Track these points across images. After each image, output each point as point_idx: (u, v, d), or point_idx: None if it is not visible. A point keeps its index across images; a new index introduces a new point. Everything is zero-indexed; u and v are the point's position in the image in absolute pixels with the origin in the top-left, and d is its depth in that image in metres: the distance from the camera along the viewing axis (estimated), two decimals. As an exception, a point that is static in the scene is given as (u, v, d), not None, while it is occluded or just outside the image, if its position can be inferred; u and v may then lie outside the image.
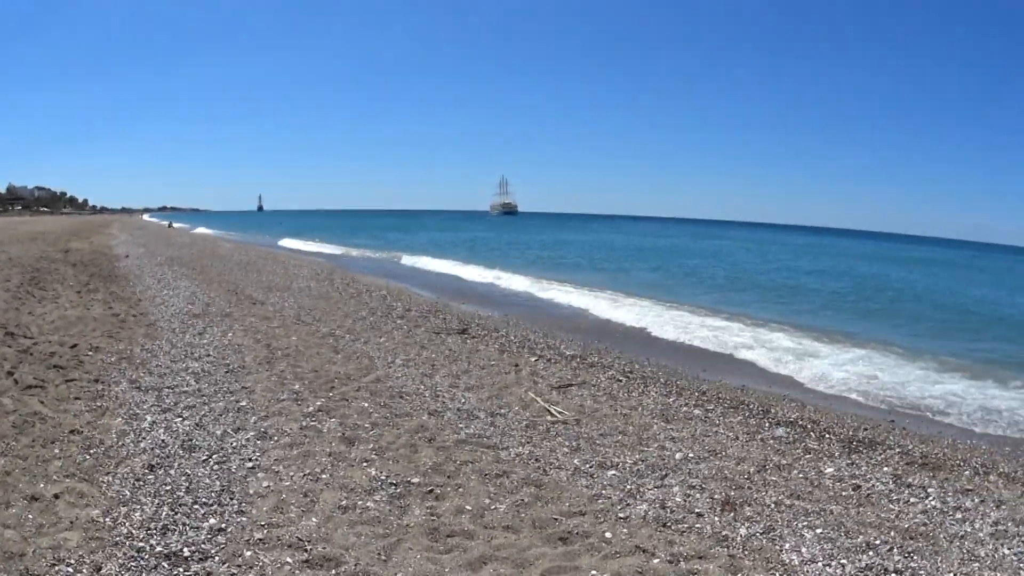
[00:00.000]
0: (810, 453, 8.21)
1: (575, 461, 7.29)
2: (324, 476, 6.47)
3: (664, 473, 7.10)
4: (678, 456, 7.64)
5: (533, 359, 12.30)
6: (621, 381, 11.10)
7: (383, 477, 6.50)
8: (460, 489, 6.39)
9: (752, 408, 10.04)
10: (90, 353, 10.59)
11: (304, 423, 7.92)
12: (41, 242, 35.56)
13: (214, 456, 6.84)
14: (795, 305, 24.77)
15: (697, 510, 6.26)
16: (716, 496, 6.57)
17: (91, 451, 6.81)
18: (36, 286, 17.07)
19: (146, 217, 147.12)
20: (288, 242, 56.14)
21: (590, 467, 7.15)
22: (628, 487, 6.69)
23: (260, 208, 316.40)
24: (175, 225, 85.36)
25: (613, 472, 7.05)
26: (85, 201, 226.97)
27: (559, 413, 8.95)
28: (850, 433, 9.15)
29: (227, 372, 10.04)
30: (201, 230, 79.44)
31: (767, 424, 9.31)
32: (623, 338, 16.04)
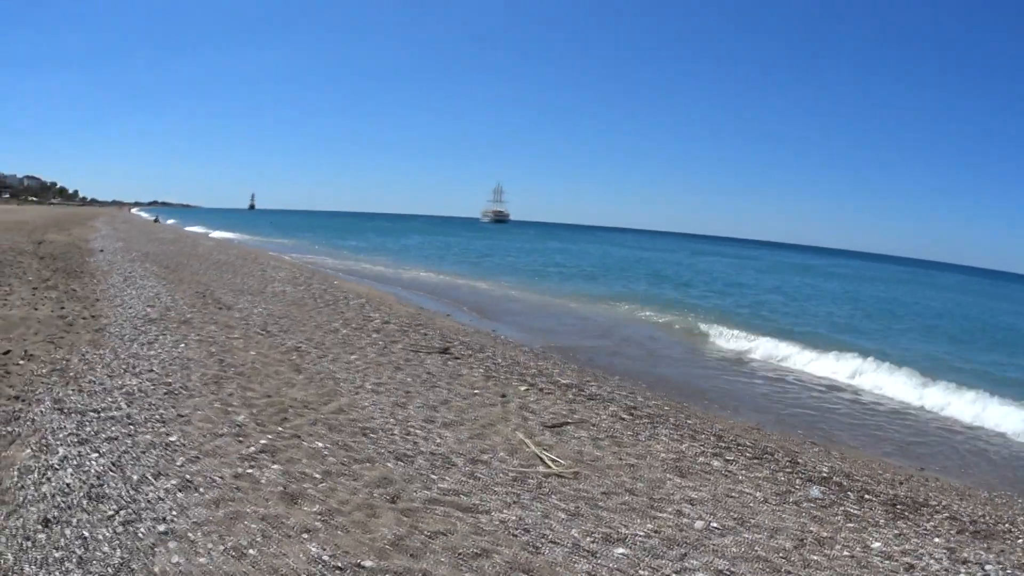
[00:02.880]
0: (852, 521, 6.92)
1: (574, 532, 5.87)
2: (251, 552, 5.01)
3: (684, 551, 5.72)
4: (699, 525, 6.27)
5: (523, 388, 10.83)
6: (624, 420, 9.72)
7: (326, 558, 5.03)
8: (426, 580, 4.97)
9: (778, 459, 8.78)
10: (22, 362, 9.28)
11: (240, 469, 6.45)
12: (16, 232, 34.55)
13: (122, 512, 5.40)
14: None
15: (731, 608, 4.92)
16: (751, 586, 5.25)
17: (-18, 493, 5.48)
18: (-11, 280, 15.72)
19: (135, 211, 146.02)
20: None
21: (593, 541, 5.73)
22: (641, 573, 5.30)
23: (252, 207, 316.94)
24: (167, 221, 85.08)
25: (622, 550, 5.62)
26: (75, 192, 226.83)
27: (554, 462, 7.51)
28: (890, 492, 8.03)
29: (166, 393, 8.56)
30: (171, 222, 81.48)
31: (799, 481, 8.00)
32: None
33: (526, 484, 6.86)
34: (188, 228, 71.07)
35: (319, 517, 5.68)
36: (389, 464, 7.00)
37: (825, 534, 6.43)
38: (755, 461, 8.55)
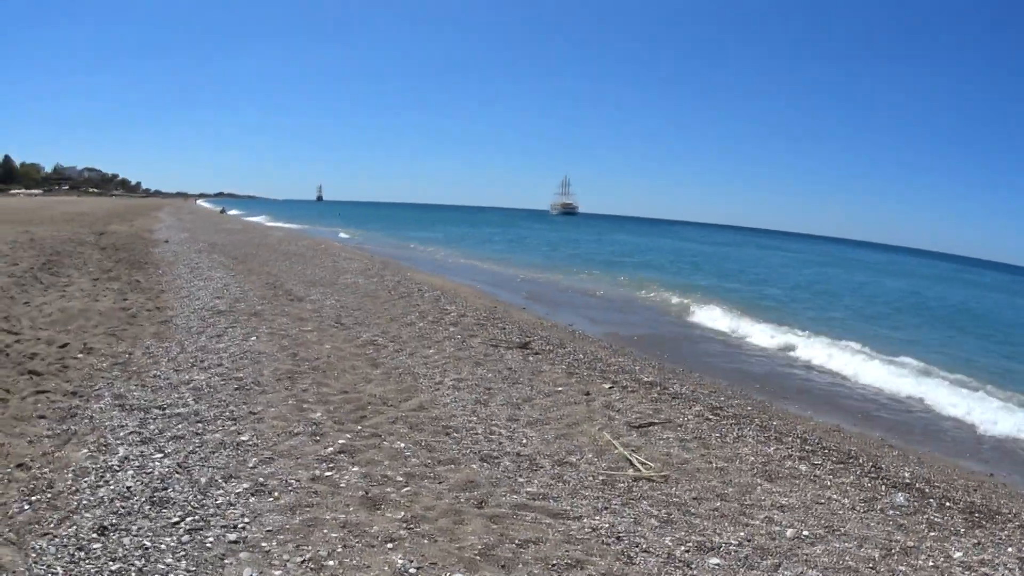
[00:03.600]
0: (935, 529, 6.76)
1: (667, 540, 5.63)
2: (331, 564, 4.70)
3: (777, 560, 5.54)
4: (789, 533, 6.09)
5: (607, 386, 10.46)
6: (710, 420, 9.41)
7: (412, 570, 4.72)
8: (520, 593, 4.68)
9: (862, 463, 8.51)
10: (80, 356, 9.11)
11: (317, 471, 6.18)
12: (77, 223, 34.81)
13: (188, 519, 5.12)
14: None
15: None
16: (844, 599, 5.10)
17: (33, 497, 5.24)
18: (48, 271, 15.86)
19: (200, 202, 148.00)
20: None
21: (686, 550, 5.50)
22: (737, 584, 5.13)
23: (319, 198, 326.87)
24: (228, 212, 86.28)
25: (716, 560, 5.41)
26: (138, 184, 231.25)
27: (642, 465, 7.21)
28: (967, 499, 7.86)
29: (237, 389, 8.33)
30: (233, 212, 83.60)
31: (883, 487, 7.75)
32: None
33: (616, 488, 6.63)
34: (256, 220, 71.80)
35: (403, 524, 5.41)
36: (474, 466, 6.76)
37: (910, 543, 6.30)
38: (840, 466, 8.32)
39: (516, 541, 5.32)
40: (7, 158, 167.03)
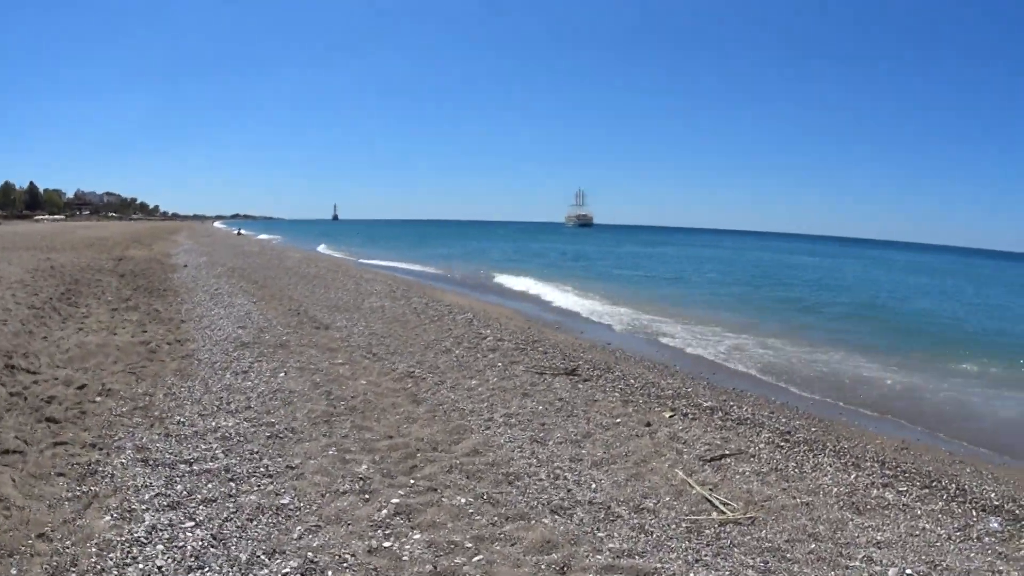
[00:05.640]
0: None
1: None
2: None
3: (884, 607, 5.08)
4: (892, 573, 5.56)
5: (667, 415, 9.75)
6: (783, 447, 8.72)
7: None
8: None
9: (946, 486, 7.94)
10: (98, 399, 8.51)
11: (374, 541, 5.39)
12: (97, 248, 35.02)
13: (230, 609, 4.39)
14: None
15: None
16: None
17: (55, 579, 4.58)
18: (66, 301, 15.52)
19: (217, 224, 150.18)
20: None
21: (791, 605, 4.97)
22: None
23: (335, 217, 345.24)
24: (243, 232, 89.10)
25: (823, 617, 4.94)
26: (156, 207, 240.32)
27: (725, 506, 6.57)
28: None
29: (269, 437, 7.59)
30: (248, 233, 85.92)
31: (975, 512, 7.20)
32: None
33: (703, 536, 6.00)
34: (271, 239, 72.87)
35: (483, 607, 4.65)
36: (546, 520, 6.02)
37: (1015, 573, 5.82)
38: (926, 491, 7.75)
39: (612, 618, 4.63)
40: (32, 185, 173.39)
